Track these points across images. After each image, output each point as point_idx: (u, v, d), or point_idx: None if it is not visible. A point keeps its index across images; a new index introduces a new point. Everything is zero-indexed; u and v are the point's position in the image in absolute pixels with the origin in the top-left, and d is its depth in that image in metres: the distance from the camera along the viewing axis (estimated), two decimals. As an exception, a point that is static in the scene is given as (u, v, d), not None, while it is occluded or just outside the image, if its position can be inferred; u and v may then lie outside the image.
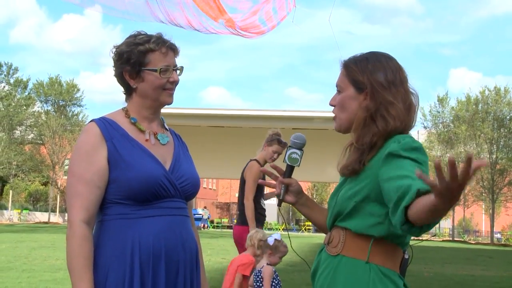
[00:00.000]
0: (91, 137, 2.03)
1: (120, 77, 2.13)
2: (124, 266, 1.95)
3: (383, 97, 1.86)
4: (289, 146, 2.07)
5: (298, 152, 2.06)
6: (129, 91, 2.15)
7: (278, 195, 2.07)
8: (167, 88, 2.13)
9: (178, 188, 2.09)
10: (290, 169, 2.06)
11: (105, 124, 2.06)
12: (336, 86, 1.99)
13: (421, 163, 1.75)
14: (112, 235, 2.00)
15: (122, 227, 1.99)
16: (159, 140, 2.15)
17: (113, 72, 2.17)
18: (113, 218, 2.01)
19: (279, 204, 2.11)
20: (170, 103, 2.16)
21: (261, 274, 4.85)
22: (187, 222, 2.14)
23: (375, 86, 1.87)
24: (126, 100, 2.19)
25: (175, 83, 2.14)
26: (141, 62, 2.08)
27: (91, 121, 2.10)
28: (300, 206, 2.11)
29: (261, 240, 4.97)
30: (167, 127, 2.26)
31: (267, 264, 4.91)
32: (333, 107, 1.99)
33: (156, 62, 2.09)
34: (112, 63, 2.16)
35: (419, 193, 1.54)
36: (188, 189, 2.13)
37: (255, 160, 5.55)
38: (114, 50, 2.15)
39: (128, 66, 2.09)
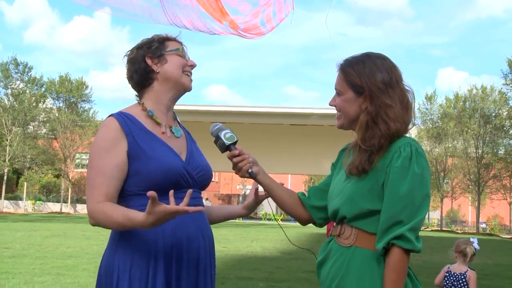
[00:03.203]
0: (111, 132, 1.98)
1: (141, 67, 2.09)
2: (148, 256, 1.92)
3: (381, 100, 1.86)
4: (217, 135, 2.10)
5: (227, 130, 2.11)
6: (149, 81, 2.11)
7: (248, 171, 2.07)
8: (187, 71, 2.14)
9: (195, 179, 2.07)
10: (234, 148, 2.09)
11: (124, 119, 2.02)
12: (335, 89, 1.97)
13: (418, 172, 1.78)
14: None
15: None
16: (173, 133, 2.12)
17: (126, 73, 2.14)
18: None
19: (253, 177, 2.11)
20: (190, 88, 2.16)
21: (466, 278, 4.87)
22: (203, 212, 2.12)
23: (373, 90, 1.87)
24: (140, 97, 2.14)
25: (193, 67, 2.17)
26: (162, 47, 2.12)
27: (109, 115, 2.04)
28: (263, 174, 2.12)
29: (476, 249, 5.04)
30: (179, 120, 2.25)
31: (470, 268, 4.95)
32: (333, 107, 2.00)
33: (174, 46, 2.14)
34: (124, 67, 2.14)
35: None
36: (204, 179, 2.12)
37: None
38: (130, 50, 2.15)
39: (150, 52, 2.10)
